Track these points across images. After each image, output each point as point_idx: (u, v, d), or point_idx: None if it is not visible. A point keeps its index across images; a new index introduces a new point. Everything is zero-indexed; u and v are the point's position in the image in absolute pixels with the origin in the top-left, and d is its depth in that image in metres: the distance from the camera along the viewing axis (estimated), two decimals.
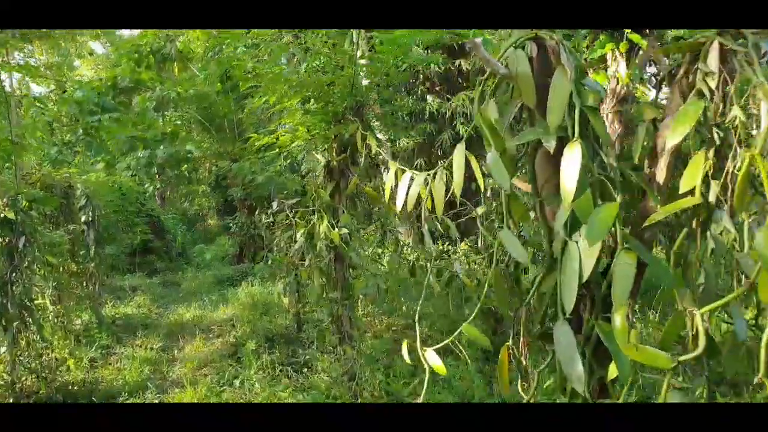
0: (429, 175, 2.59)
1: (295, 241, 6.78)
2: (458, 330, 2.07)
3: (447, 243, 6.79)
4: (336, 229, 4.22)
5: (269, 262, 7.28)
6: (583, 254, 1.67)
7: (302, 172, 15.62)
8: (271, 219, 14.07)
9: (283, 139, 4.41)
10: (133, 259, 16.14)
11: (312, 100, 4.35)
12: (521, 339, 1.97)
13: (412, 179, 2.70)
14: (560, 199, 1.70)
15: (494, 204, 4.32)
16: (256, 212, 15.23)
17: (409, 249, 5.25)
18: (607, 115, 10.62)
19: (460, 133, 11.21)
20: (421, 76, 11.59)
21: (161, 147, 14.45)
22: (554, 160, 1.83)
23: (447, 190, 2.49)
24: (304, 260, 6.87)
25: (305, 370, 5.31)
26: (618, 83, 11.11)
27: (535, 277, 1.84)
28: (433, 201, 2.59)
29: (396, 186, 2.98)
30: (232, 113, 15.14)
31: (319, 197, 4.33)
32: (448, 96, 11.21)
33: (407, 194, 2.74)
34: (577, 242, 1.69)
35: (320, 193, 4.27)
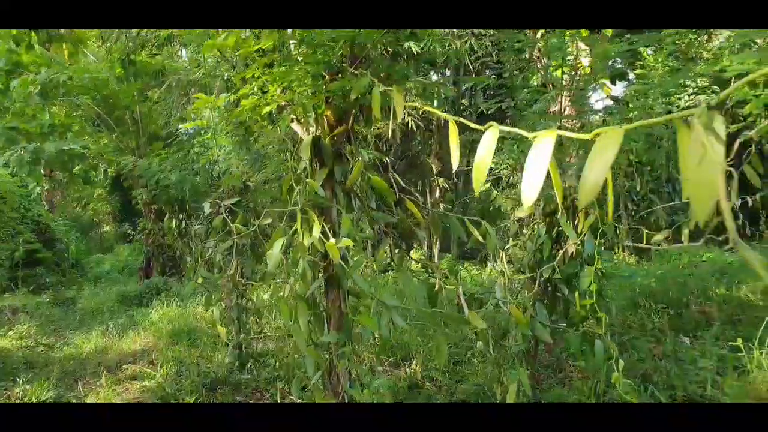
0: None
1: (230, 254, 5.26)
2: None
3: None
4: (332, 240, 2.78)
5: (200, 280, 5.62)
6: None
7: (219, 171, 13.91)
8: (190, 225, 12.24)
9: (246, 104, 2.92)
10: (15, 273, 13.87)
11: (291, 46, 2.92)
12: None
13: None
14: None
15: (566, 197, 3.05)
16: (166, 217, 13.34)
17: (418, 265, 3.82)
18: (564, 110, 9.68)
19: (410, 125, 10.00)
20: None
21: (49, 141, 12.26)
22: None
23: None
24: (255, 280, 5.36)
25: None
26: (577, 74, 10.09)
27: None
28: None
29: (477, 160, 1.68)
30: (135, 103, 13.18)
31: (306, 191, 2.88)
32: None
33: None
34: None
35: (311, 186, 2.82)
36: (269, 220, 5.22)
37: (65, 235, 17.10)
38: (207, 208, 5.34)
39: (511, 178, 10.70)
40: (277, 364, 5.17)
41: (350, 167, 3.00)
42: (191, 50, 14.16)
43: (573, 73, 10.46)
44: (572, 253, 3.57)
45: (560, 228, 3.66)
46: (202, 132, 14.64)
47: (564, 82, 10.16)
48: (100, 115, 13.34)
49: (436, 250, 3.82)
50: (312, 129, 3.01)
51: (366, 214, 3.19)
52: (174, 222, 13.19)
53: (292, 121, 3.07)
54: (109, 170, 20.56)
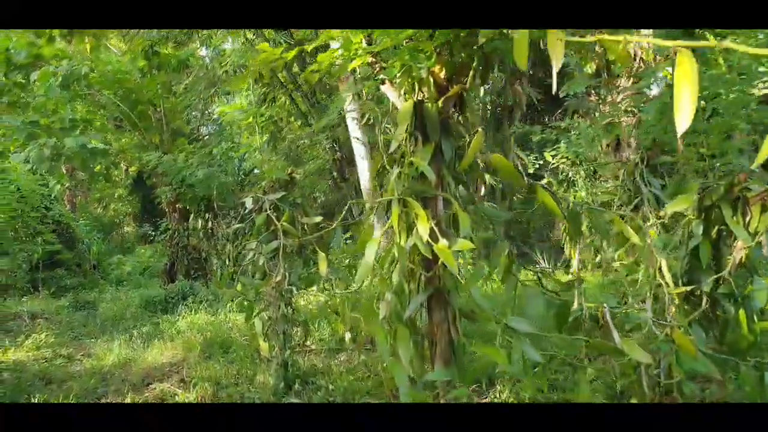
0: None
1: (276, 257, 4.53)
2: None
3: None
4: (443, 241, 2.02)
5: (239, 287, 4.88)
6: None
7: (245, 170, 13.22)
8: (217, 225, 11.55)
9: (324, 60, 2.17)
10: (35, 275, 13.37)
11: None
12: None
13: None
14: None
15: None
16: (191, 216, 12.70)
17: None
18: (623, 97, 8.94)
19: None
20: None
21: (71, 137, 11.67)
22: None
23: None
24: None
25: None
26: (636, 59, 9.31)
27: None
28: None
29: None
30: (158, 98, 12.55)
31: (406, 175, 2.13)
32: None
33: None
34: None
35: (414, 165, 2.07)
36: (319, 219, 4.48)
37: (87, 235, 16.60)
38: (249, 203, 4.62)
39: (571, 173, 9.86)
40: (331, 386, 4.43)
41: (465, 143, 2.25)
42: (215, 43, 13.54)
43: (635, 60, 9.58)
44: (740, 259, 2.78)
45: (722, 226, 2.87)
46: (227, 128, 13.99)
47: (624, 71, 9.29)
48: (122, 111, 12.74)
49: (575, 256, 3.05)
50: (411, 94, 2.25)
51: (479, 208, 2.44)
52: (200, 222, 12.53)
53: (382, 82, 2.32)
54: (130, 169, 20.04)
